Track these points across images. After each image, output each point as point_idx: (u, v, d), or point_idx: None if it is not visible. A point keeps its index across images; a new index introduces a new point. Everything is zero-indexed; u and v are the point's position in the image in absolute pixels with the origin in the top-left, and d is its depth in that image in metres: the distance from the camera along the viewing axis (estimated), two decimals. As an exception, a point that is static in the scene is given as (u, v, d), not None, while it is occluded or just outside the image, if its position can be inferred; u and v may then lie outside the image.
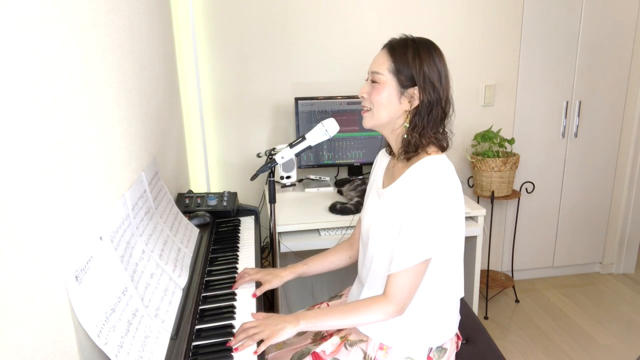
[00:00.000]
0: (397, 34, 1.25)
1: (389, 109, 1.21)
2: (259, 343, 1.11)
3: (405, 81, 1.19)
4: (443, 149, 1.25)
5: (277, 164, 1.57)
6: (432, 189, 1.14)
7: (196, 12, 2.30)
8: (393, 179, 1.26)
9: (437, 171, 1.17)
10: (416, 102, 1.20)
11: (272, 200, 1.69)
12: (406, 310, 1.18)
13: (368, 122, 1.26)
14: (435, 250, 1.16)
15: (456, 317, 1.34)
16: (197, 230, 1.63)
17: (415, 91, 1.19)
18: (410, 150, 1.21)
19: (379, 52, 1.24)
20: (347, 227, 1.98)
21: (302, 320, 1.17)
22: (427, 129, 1.20)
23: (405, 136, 1.22)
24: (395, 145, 1.27)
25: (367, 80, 1.26)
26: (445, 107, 1.22)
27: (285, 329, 1.14)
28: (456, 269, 1.26)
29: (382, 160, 1.40)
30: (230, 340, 1.12)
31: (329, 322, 1.19)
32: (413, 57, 1.18)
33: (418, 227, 1.14)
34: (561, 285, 2.94)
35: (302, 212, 2.09)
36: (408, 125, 1.21)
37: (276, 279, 1.39)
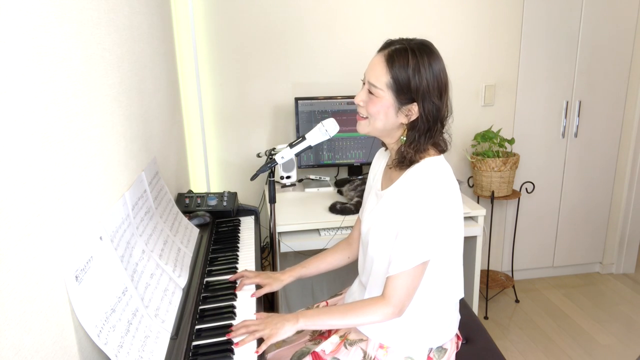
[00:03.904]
0: (394, 35, 1.21)
1: (385, 121, 1.19)
2: (259, 342, 1.12)
3: (404, 98, 1.15)
4: (442, 151, 1.23)
5: (277, 164, 1.57)
6: (429, 192, 1.14)
7: (196, 12, 2.30)
8: (391, 181, 1.26)
9: (435, 173, 1.16)
10: (414, 117, 1.17)
11: (272, 200, 1.69)
12: (405, 311, 1.18)
13: (363, 129, 1.24)
14: (432, 253, 1.16)
15: (456, 318, 1.34)
16: (197, 230, 1.63)
17: (413, 107, 1.16)
18: (405, 164, 1.20)
19: (376, 58, 1.17)
20: (347, 227, 1.98)
21: (301, 318, 1.18)
22: (423, 144, 1.18)
23: (402, 149, 1.20)
24: (391, 151, 1.26)
25: (363, 84, 1.22)
26: (444, 119, 1.19)
27: (284, 327, 1.15)
28: (456, 270, 1.26)
29: (380, 159, 1.39)
30: (230, 333, 1.12)
31: (328, 322, 1.20)
32: (413, 72, 1.12)
33: (415, 230, 1.14)
34: (561, 285, 2.94)
35: (302, 212, 2.09)
36: (405, 139, 1.19)
37: (276, 282, 1.39)
